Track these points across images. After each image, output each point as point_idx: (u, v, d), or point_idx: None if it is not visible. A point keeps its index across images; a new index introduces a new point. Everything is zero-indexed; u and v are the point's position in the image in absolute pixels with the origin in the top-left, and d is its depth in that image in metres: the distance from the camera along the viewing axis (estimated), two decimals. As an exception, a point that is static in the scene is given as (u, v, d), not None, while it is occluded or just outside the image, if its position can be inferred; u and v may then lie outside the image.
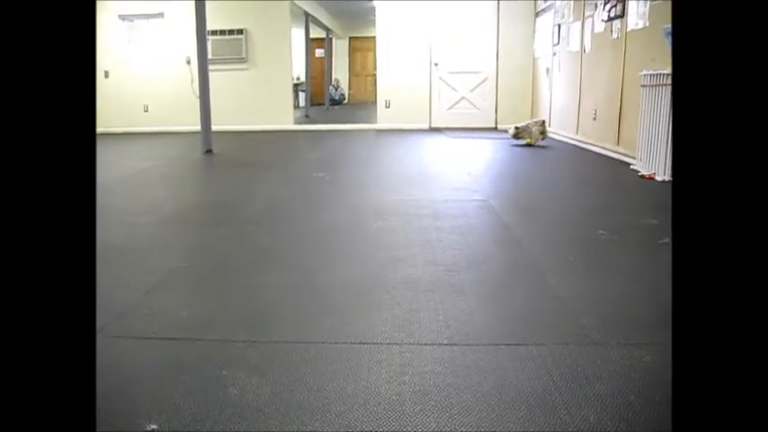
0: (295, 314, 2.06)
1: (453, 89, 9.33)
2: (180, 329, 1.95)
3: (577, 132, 6.97)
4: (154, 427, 1.38)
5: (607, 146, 5.99)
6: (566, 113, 7.44)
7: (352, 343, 1.80)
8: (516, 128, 7.18)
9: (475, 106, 9.34)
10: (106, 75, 9.81)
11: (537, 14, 8.77)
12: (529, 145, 7.01)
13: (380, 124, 9.37)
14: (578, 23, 6.81)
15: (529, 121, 7.34)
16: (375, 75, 9.94)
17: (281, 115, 9.64)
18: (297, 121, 10.02)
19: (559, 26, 7.56)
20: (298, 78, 13.20)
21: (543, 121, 7.27)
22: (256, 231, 3.27)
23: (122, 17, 9.65)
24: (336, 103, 16.34)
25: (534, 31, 8.88)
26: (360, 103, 16.52)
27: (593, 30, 6.37)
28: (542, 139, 7.13)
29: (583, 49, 6.70)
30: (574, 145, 6.95)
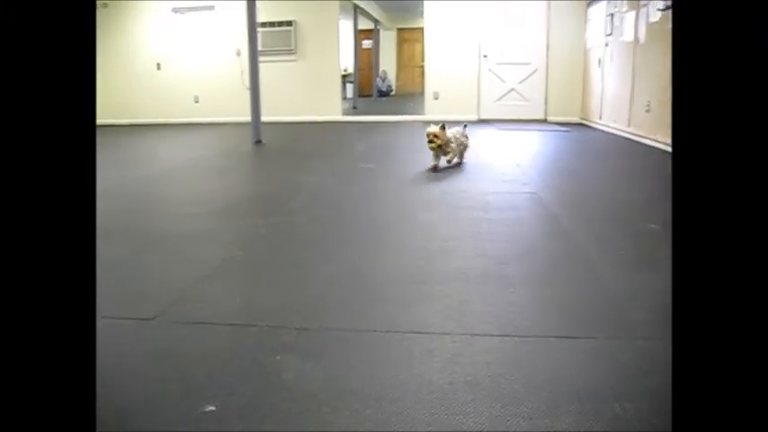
0: (346, 303, 2.08)
1: (502, 81, 9.25)
2: (234, 315, 1.99)
3: (629, 125, 6.84)
4: (212, 408, 1.42)
5: (660, 138, 5.86)
6: (617, 105, 7.30)
7: (404, 332, 1.82)
8: (435, 136, 4.72)
9: (524, 98, 9.23)
10: (158, 67, 10.04)
11: (589, 4, 8.60)
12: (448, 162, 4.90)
13: (428, 116, 9.34)
14: (633, 13, 6.66)
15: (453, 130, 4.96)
16: (423, 66, 9.91)
17: (329, 106, 9.71)
18: (345, 113, 10.07)
19: (612, 16, 7.41)
20: (345, 70, 13.25)
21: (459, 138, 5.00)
22: (306, 222, 3.31)
23: (175, 10, 9.83)
24: (384, 94, 16.36)
25: (586, 21, 8.72)
26: (407, 95, 16.49)
27: (647, 19, 6.23)
28: (459, 159, 5.08)
29: (637, 40, 6.56)
30: (625, 137, 6.82)
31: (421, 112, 9.69)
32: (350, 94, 13.48)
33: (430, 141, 4.74)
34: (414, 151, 5.82)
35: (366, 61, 15.87)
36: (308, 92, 9.68)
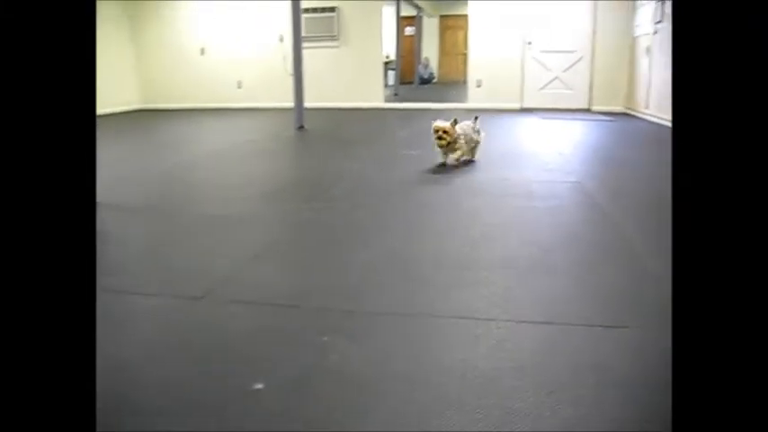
0: (390, 287, 2.10)
1: (546, 69, 9.11)
2: (280, 297, 2.02)
3: (677, 114, 6.69)
4: (260, 386, 1.45)
5: (709, 129, 5.73)
6: (665, 95, 7.15)
7: (448, 317, 1.83)
8: (445, 132, 4.32)
9: (568, 87, 9.09)
10: (202, 52, 10.14)
11: (638, -9, 8.42)
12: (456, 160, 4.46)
13: (470, 104, 9.28)
14: None
15: (463, 124, 4.52)
16: (465, 54, 9.83)
17: (371, 93, 9.71)
18: (386, 100, 10.06)
19: (663, 2, 7.24)
20: (387, 57, 13.23)
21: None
22: (349, 207, 3.33)
23: (220, -5, 9.92)
24: (425, 81, 16.28)
25: (634, 9, 8.54)
26: (449, 83, 16.37)
27: (698, 7, 6.06)
28: (470, 156, 4.64)
29: (687, 28, 6.40)
30: (671, 128, 6.68)
31: (463, 100, 9.62)
32: (391, 81, 13.45)
33: (438, 138, 4.33)
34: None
35: (408, 48, 15.80)
36: (350, 78, 9.69)
